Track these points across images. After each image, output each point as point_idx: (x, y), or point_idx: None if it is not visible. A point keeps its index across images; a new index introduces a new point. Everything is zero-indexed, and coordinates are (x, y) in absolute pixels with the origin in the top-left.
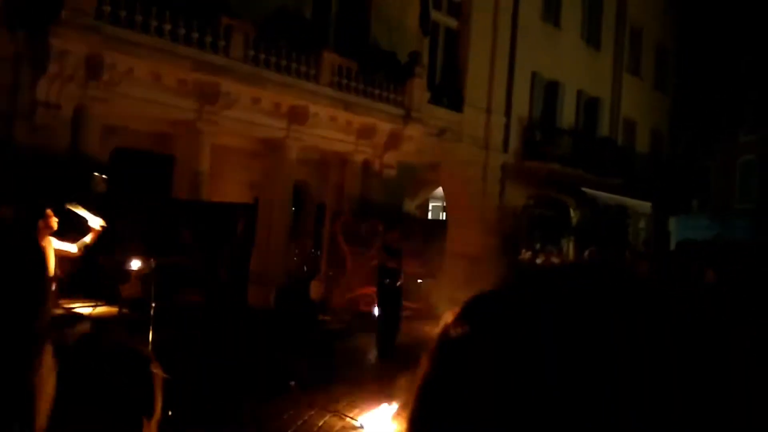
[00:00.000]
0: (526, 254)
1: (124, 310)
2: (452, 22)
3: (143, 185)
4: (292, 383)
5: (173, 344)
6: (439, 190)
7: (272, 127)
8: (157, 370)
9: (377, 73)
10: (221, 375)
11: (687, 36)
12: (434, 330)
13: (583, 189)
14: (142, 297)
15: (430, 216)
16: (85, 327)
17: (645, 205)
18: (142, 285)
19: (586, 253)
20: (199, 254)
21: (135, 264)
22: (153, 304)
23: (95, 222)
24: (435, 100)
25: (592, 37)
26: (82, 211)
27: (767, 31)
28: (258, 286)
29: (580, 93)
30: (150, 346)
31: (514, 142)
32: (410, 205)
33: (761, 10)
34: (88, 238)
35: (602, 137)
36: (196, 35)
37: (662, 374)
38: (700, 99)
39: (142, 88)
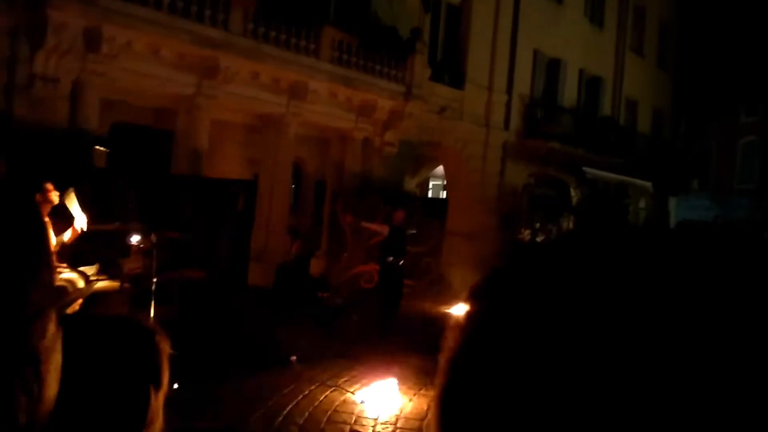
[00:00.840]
0: (525, 233)
1: (126, 285)
2: None
3: (142, 160)
4: (293, 358)
5: (175, 320)
6: (440, 169)
7: (272, 102)
8: (162, 343)
9: (378, 49)
10: (223, 351)
11: (690, 15)
12: (435, 308)
13: (584, 168)
14: (143, 272)
15: (430, 194)
16: (86, 292)
17: (646, 185)
18: (143, 260)
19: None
20: (199, 230)
21: (135, 238)
22: (154, 279)
23: (79, 222)
24: (436, 77)
25: (595, 15)
26: (74, 205)
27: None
28: (259, 263)
29: (582, 71)
30: (153, 321)
31: (515, 120)
32: (411, 183)
33: None
34: (66, 236)
35: (604, 116)
36: (194, 8)
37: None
38: (703, 79)
39: (141, 62)
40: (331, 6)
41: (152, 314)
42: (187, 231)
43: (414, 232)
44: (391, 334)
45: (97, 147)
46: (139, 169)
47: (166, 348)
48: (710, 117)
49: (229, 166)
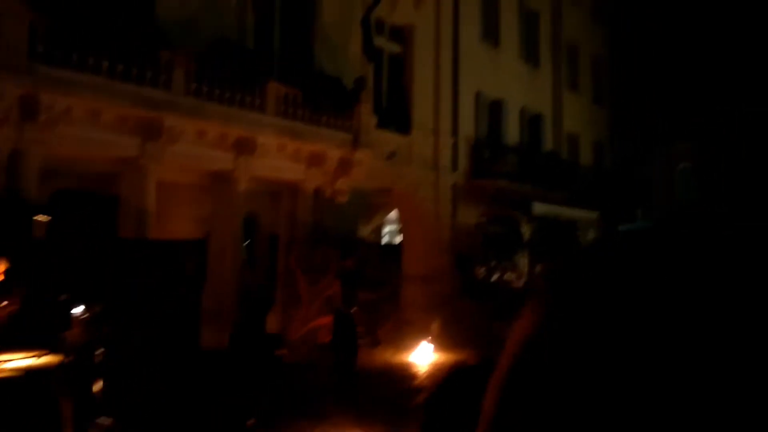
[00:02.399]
0: (480, 271)
1: (69, 358)
2: (395, 48)
3: (87, 227)
4: (250, 422)
5: (125, 390)
6: (394, 213)
7: (219, 159)
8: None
9: (324, 100)
10: (177, 419)
11: (620, 51)
12: (395, 356)
13: (533, 203)
14: (88, 343)
15: (385, 240)
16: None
17: (592, 216)
18: (87, 330)
19: (538, 267)
20: (148, 295)
21: (79, 309)
22: (100, 350)
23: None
24: (383, 124)
25: (530, 56)
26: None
27: (695, 43)
28: (212, 324)
29: (523, 110)
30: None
31: (463, 161)
32: (365, 230)
33: (688, 22)
34: None
35: (547, 152)
36: (135, 71)
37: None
38: (637, 110)
39: (82, 128)
40: (274, 60)
41: (99, 386)
42: (135, 296)
43: (355, 276)
44: (353, 387)
45: (37, 217)
46: (83, 236)
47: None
48: (647, 146)
49: (179, 226)
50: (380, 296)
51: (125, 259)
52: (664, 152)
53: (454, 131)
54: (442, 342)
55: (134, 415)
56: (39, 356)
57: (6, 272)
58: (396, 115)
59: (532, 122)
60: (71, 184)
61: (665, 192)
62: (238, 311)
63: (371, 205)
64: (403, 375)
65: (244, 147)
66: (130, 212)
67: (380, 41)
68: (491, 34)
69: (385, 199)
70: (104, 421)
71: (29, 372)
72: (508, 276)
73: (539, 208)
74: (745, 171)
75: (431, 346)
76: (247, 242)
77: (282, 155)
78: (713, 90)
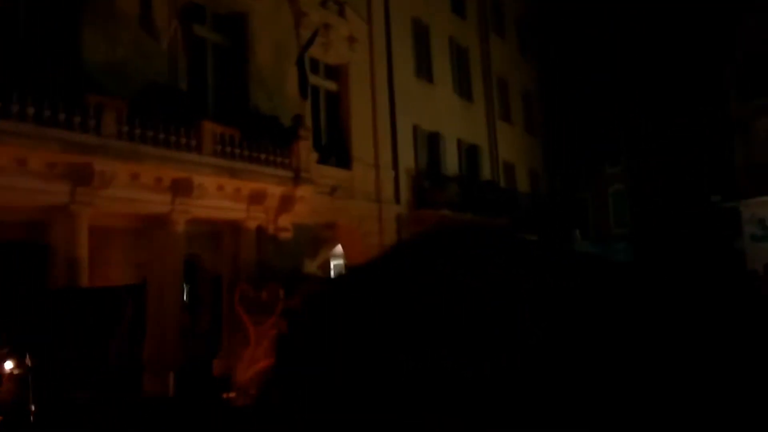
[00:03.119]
0: None
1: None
2: (332, 85)
3: (14, 279)
4: None
5: None
6: (339, 248)
7: (155, 202)
8: None
9: (262, 139)
10: None
11: (547, 83)
12: None
13: None
14: (18, 400)
15: (333, 274)
16: None
17: (533, 239)
18: (17, 387)
19: None
20: (83, 346)
21: (8, 365)
22: (32, 408)
23: None
24: (323, 160)
25: (463, 90)
26: None
27: (618, 72)
28: (154, 372)
29: (460, 141)
30: None
31: (405, 192)
32: (311, 266)
33: (610, 53)
34: None
35: (485, 181)
36: (63, 116)
37: None
38: (567, 138)
39: (7, 176)
40: (209, 102)
41: None
42: (68, 349)
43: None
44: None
45: None
46: (9, 288)
47: None
48: (580, 171)
49: (115, 273)
50: None
51: (56, 310)
52: (596, 176)
53: (395, 164)
54: None
55: None
56: None
57: None
58: (336, 150)
59: (469, 152)
60: None
61: (600, 213)
62: (182, 356)
63: (316, 241)
64: None
65: (180, 188)
66: (62, 260)
67: (316, 79)
68: (425, 70)
69: (330, 233)
70: None
71: None
72: None
73: None
74: (670, 188)
75: None
76: (188, 286)
77: (221, 195)
78: (635, 114)
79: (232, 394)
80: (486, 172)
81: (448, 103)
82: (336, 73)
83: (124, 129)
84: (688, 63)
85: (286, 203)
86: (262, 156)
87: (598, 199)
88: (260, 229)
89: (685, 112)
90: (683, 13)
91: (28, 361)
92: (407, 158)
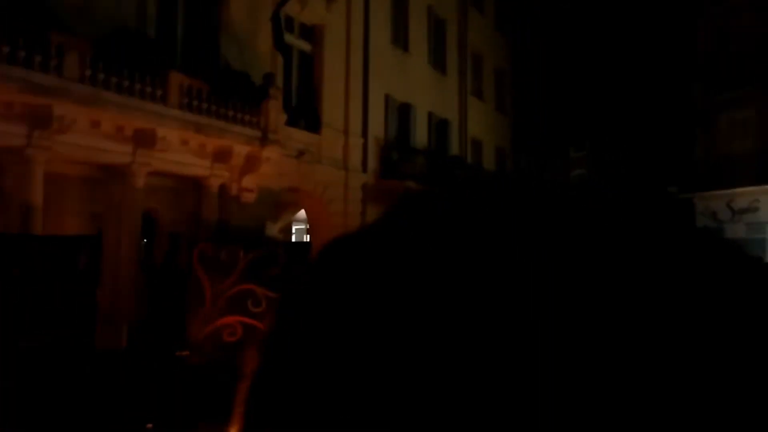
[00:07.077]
0: None
1: None
2: (306, 46)
3: None
4: (149, 426)
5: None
6: (302, 213)
7: (115, 152)
8: None
9: (231, 95)
10: (71, 424)
11: (521, 63)
12: None
13: None
14: None
15: (294, 239)
16: None
17: None
18: None
19: None
20: (33, 295)
21: None
22: None
23: None
24: (292, 122)
25: (438, 63)
26: None
27: (591, 56)
28: (108, 325)
29: (430, 115)
30: None
31: (372, 162)
32: (273, 229)
33: (585, 35)
34: None
35: (453, 156)
36: (22, 53)
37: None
38: (536, 119)
39: None
40: (178, 53)
41: None
42: (20, 296)
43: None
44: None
45: None
46: None
47: None
48: (547, 153)
49: (69, 222)
50: None
51: (6, 256)
52: (560, 159)
53: (364, 132)
54: None
55: (25, 421)
56: None
57: None
58: (306, 113)
59: (439, 126)
60: None
61: None
62: (138, 310)
63: (280, 204)
64: None
65: (143, 139)
66: (14, 205)
67: (290, 38)
68: (401, 39)
69: (294, 198)
70: None
71: None
72: None
73: None
74: (631, 176)
75: None
76: (144, 240)
77: (185, 150)
78: (602, 102)
79: (185, 352)
80: (455, 146)
81: (421, 74)
82: (311, 33)
83: (87, 72)
84: (656, 53)
85: (251, 163)
86: (230, 113)
87: (561, 183)
88: (223, 188)
89: (651, 103)
90: (652, 3)
91: None
92: (377, 127)
